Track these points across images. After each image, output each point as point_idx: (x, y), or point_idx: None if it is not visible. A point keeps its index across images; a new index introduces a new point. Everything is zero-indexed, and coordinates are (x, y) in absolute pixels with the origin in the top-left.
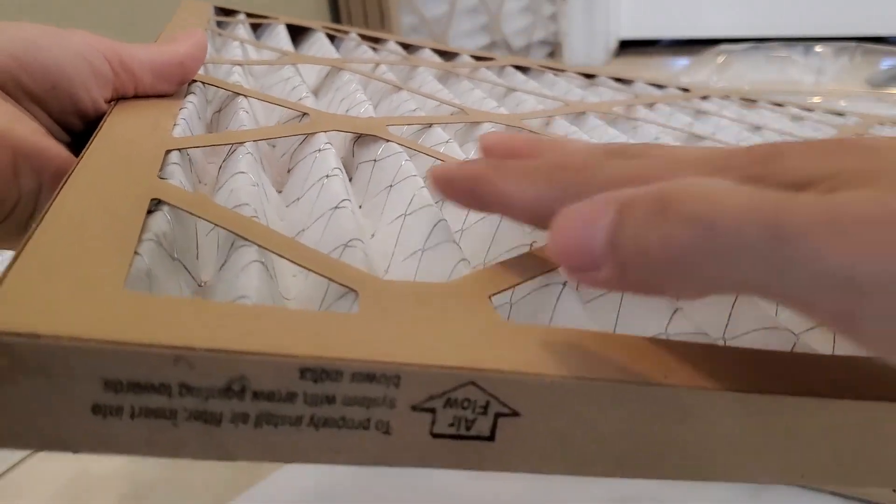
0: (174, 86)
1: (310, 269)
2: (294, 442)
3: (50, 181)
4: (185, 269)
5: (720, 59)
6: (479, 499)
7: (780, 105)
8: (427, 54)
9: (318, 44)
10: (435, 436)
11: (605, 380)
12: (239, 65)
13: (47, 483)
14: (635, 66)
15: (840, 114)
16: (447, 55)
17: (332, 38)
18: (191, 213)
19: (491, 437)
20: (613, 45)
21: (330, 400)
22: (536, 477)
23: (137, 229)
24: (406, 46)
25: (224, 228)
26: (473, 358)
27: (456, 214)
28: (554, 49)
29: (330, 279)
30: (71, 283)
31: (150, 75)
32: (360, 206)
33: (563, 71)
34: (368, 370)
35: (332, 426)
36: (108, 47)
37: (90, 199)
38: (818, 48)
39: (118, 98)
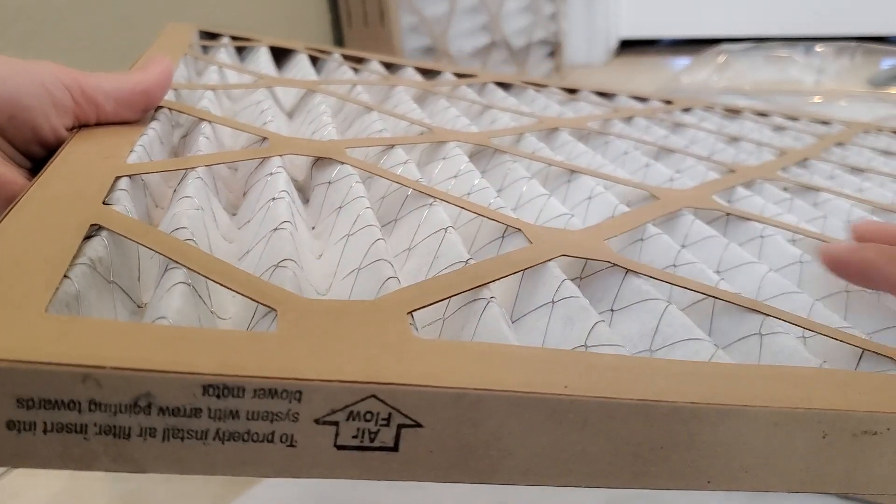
0: (138, 113)
1: (232, 290)
2: (202, 455)
3: (3, 207)
4: (123, 291)
5: (721, 58)
6: (471, 498)
7: (763, 115)
8: (409, 73)
9: (300, 65)
10: (339, 448)
11: (506, 391)
12: (212, 89)
13: (45, 484)
14: (635, 66)
15: (825, 122)
16: (429, 73)
17: (314, 59)
18: (126, 238)
19: (395, 448)
20: (614, 44)
21: (234, 415)
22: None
23: (71, 254)
24: (389, 66)
25: (157, 252)
26: (376, 372)
27: (406, 232)
28: (554, 49)
29: (251, 299)
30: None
31: (113, 103)
32: (314, 228)
33: (544, 86)
34: (270, 386)
35: (237, 440)
36: (70, 77)
37: (31, 225)
38: (819, 48)
39: (80, 126)
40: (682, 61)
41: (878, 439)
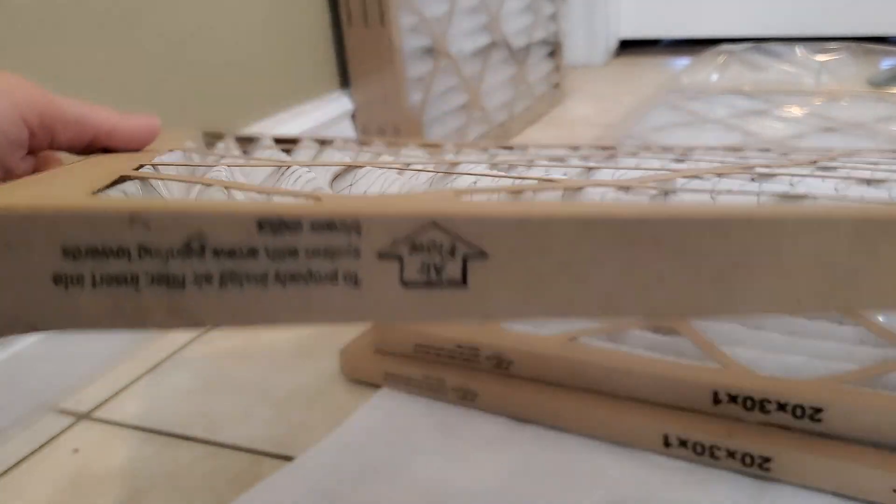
0: (96, 148)
1: (269, 193)
2: (262, 302)
3: None
4: None
5: (720, 58)
6: (472, 500)
7: (765, 150)
8: (411, 146)
9: (304, 152)
10: (406, 284)
11: (572, 213)
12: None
13: (48, 482)
14: (635, 67)
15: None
16: (431, 147)
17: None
18: (154, 178)
19: (463, 282)
20: (614, 45)
21: (292, 253)
22: (532, 476)
23: (104, 185)
24: (391, 144)
25: (186, 182)
26: (434, 205)
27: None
28: (554, 49)
29: (286, 195)
30: (39, 190)
31: (71, 134)
32: None
33: (546, 147)
34: (327, 217)
35: (299, 281)
36: (30, 105)
37: (73, 175)
38: (819, 48)
39: (34, 152)
40: (681, 62)
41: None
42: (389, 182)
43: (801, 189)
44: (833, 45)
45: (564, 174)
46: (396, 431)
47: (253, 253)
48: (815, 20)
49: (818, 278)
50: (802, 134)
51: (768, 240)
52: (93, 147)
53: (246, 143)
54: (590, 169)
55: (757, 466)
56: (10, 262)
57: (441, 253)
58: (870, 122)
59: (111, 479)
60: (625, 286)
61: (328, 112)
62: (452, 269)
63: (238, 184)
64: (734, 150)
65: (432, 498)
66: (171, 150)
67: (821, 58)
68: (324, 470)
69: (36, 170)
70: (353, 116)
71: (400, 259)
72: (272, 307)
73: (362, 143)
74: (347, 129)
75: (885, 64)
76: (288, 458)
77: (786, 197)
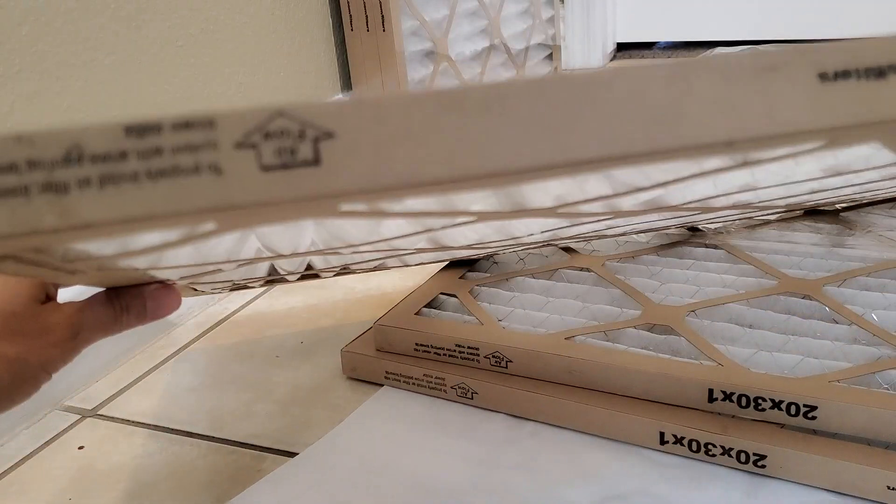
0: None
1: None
2: (138, 198)
3: None
4: None
5: None
6: (480, 498)
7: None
8: None
9: None
10: (265, 168)
11: (404, 93)
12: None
13: (53, 478)
14: None
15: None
16: None
17: None
18: None
19: (316, 161)
20: (610, 47)
21: (158, 151)
22: (533, 475)
23: None
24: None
25: None
26: (278, 103)
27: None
28: (552, 52)
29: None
30: None
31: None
32: None
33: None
34: (184, 119)
35: (167, 176)
36: None
37: None
38: None
39: None
40: None
41: (780, 73)
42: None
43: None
44: None
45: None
46: (397, 429)
47: (124, 155)
48: (809, 23)
49: (641, 118)
50: None
51: (586, 90)
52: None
53: None
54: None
55: (752, 463)
56: None
57: (292, 137)
58: None
59: (116, 476)
60: (462, 147)
61: None
62: (305, 151)
63: None
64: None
65: (431, 494)
66: None
67: None
68: (325, 466)
69: None
70: None
71: (255, 146)
72: (147, 201)
73: None
74: None
75: None
76: (290, 455)
77: None
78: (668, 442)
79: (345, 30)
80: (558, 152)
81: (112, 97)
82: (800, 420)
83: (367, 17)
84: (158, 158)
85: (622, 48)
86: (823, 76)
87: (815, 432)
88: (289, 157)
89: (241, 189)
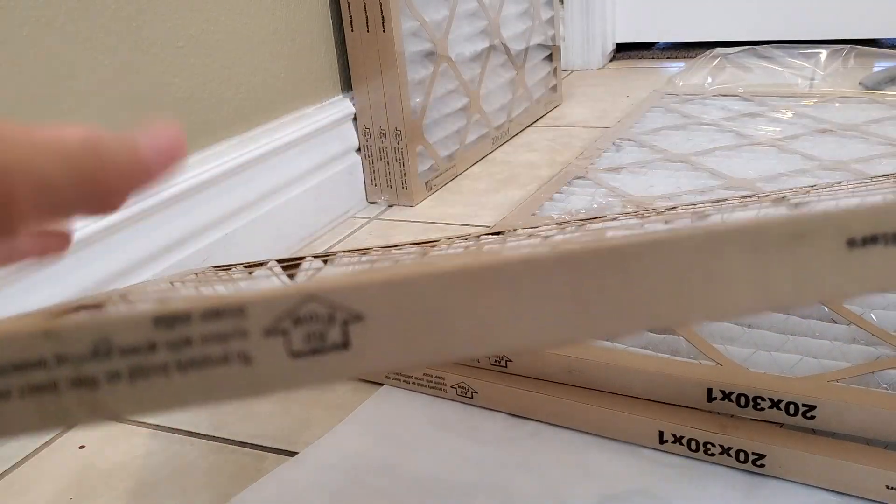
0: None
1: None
2: (168, 390)
3: None
4: None
5: (715, 62)
6: (478, 497)
7: (747, 197)
8: (406, 249)
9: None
10: (295, 355)
11: (437, 270)
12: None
13: (54, 478)
14: (631, 70)
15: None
16: (426, 244)
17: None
18: None
19: (346, 345)
20: (610, 48)
21: (187, 342)
22: (533, 474)
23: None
24: (390, 248)
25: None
26: (311, 284)
27: None
28: (552, 53)
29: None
30: None
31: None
32: None
33: (535, 228)
34: (214, 307)
35: (197, 367)
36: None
37: None
38: (811, 51)
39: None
40: (676, 65)
41: (809, 243)
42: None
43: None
44: (826, 48)
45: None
46: (397, 428)
47: (153, 347)
48: (808, 23)
49: (670, 292)
50: (795, 136)
51: (617, 264)
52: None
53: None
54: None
55: (751, 463)
56: None
57: (321, 322)
58: (862, 124)
59: (117, 475)
60: (495, 324)
61: (330, 115)
62: (334, 335)
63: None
64: (717, 203)
65: (432, 493)
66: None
67: (814, 61)
68: (326, 465)
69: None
70: (355, 119)
71: (285, 333)
72: (178, 393)
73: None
74: (349, 132)
75: (878, 66)
76: (291, 454)
77: (696, 214)
78: (667, 441)
79: (345, 30)
80: (587, 327)
81: (113, 98)
82: (799, 419)
83: (367, 17)
84: (188, 349)
85: (622, 48)
86: (851, 242)
87: (814, 432)
88: (318, 343)
89: (270, 376)
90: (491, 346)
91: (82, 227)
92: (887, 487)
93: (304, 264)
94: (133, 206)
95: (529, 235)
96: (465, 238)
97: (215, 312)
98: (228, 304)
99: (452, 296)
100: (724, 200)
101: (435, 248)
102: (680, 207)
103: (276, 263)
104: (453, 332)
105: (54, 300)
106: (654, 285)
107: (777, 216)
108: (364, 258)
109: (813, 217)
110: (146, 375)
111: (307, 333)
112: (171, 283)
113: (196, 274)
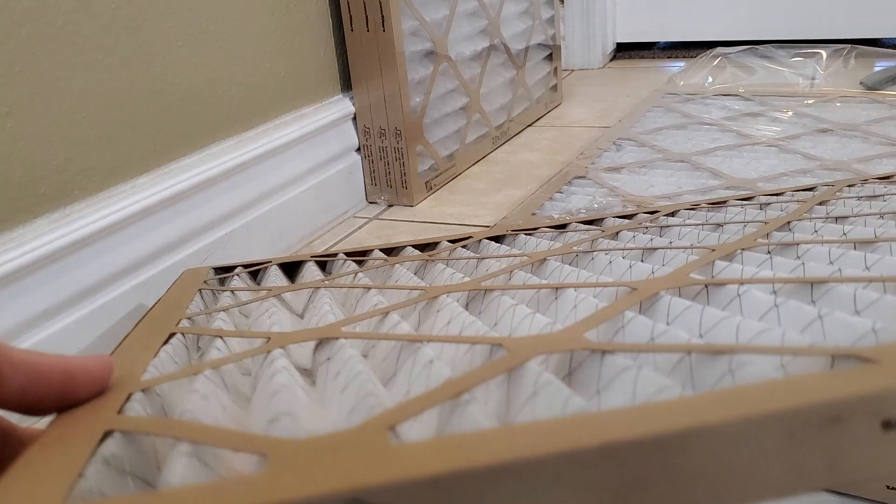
0: (55, 395)
1: (224, 446)
2: None
3: None
4: (141, 480)
5: (715, 61)
6: None
7: (748, 199)
8: (408, 251)
9: (310, 272)
10: None
11: (475, 467)
12: (225, 310)
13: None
14: (631, 69)
15: (811, 188)
16: (427, 247)
17: (322, 264)
18: (135, 432)
19: None
20: (610, 48)
21: None
22: None
23: (86, 457)
24: (389, 251)
25: (161, 435)
26: (355, 478)
27: (403, 378)
28: (552, 52)
29: (241, 449)
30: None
31: (22, 378)
32: (319, 402)
33: (535, 230)
34: None
35: None
36: None
37: (50, 444)
38: (812, 50)
39: None
40: (677, 64)
41: (845, 426)
42: (354, 369)
43: (734, 319)
44: (827, 47)
45: (535, 296)
46: None
47: None
48: (808, 23)
49: (711, 480)
50: (796, 135)
51: (658, 456)
52: (45, 401)
53: (255, 274)
54: (557, 288)
55: None
56: None
57: None
58: (863, 123)
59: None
60: None
61: (330, 115)
62: None
63: (204, 431)
64: (716, 205)
65: None
66: (167, 340)
67: (814, 60)
68: None
69: None
70: (355, 119)
71: None
72: None
73: (360, 258)
74: (349, 132)
75: (879, 66)
76: None
77: (708, 351)
78: None
79: (345, 30)
80: None
81: (112, 97)
82: None
83: (367, 17)
84: None
85: (622, 48)
86: (887, 424)
87: None
88: None
89: None
90: None
91: (82, 226)
92: (887, 487)
93: (306, 266)
94: (133, 206)
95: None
96: (465, 244)
97: None
98: None
99: (490, 493)
100: (725, 201)
101: (435, 256)
102: (682, 210)
103: (277, 268)
104: None
105: (55, 300)
106: (693, 474)
107: (814, 401)
108: (360, 277)
109: (849, 400)
110: None
111: None
112: (184, 333)
113: (206, 282)
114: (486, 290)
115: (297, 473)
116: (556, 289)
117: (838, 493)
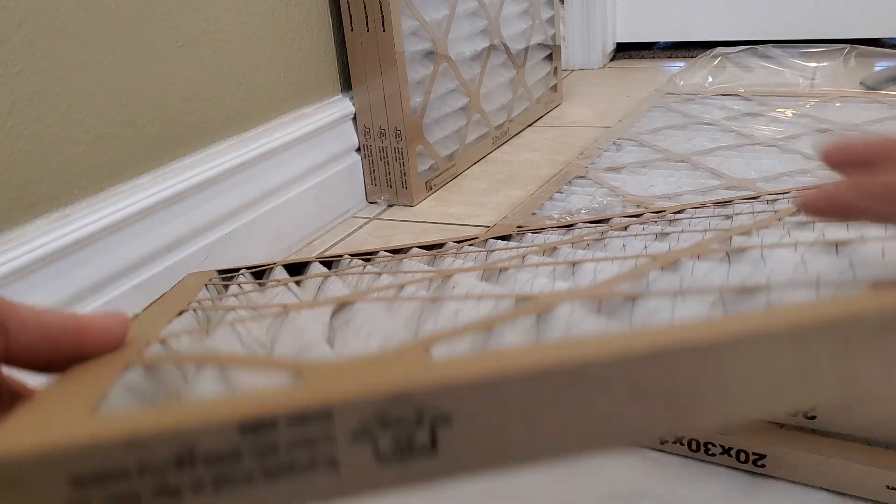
0: (65, 351)
1: (254, 368)
2: (254, 497)
3: None
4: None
5: (715, 61)
6: (480, 498)
7: (754, 198)
8: (414, 251)
9: (316, 270)
10: (382, 460)
11: (523, 368)
12: (234, 296)
13: None
14: (631, 69)
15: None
16: (433, 248)
17: (328, 265)
18: (156, 364)
19: (433, 447)
20: (610, 48)
21: (273, 448)
22: (533, 474)
23: (110, 384)
24: (395, 252)
25: (190, 362)
26: (396, 380)
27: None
28: (552, 52)
29: (271, 368)
30: (45, 418)
31: (31, 334)
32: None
33: (541, 229)
34: (300, 412)
35: (283, 474)
36: None
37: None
38: (812, 50)
39: None
40: (677, 64)
41: None
42: (378, 321)
43: (763, 272)
44: (827, 47)
45: (552, 271)
46: None
47: (238, 455)
48: (808, 23)
49: (766, 388)
50: (796, 135)
51: (710, 362)
52: (57, 359)
53: (259, 275)
54: (574, 264)
55: (751, 463)
56: (17, 498)
57: (408, 424)
58: (863, 123)
59: None
60: (580, 424)
61: (330, 115)
62: (422, 437)
63: (230, 356)
64: (722, 204)
65: (433, 493)
66: (179, 314)
67: (814, 60)
68: None
69: None
70: (355, 119)
71: (372, 436)
72: (263, 501)
73: (366, 256)
74: (349, 132)
75: (879, 66)
76: None
77: (743, 291)
78: (667, 441)
79: (345, 30)
80: (677, 424)
81: (112, 97)
82: (799, 419)
83: (367, 17)
84: (274, 456)
85: (622, 48)
86: None
87: (814, 432)
88: (405, 447)
89: (356, 481)
90: (578, 444)
91: (82, 226)
92: (887, 487)
93: (312, 268)
94: (133, 206)
95: (541, 251)
96: (472, 243)
97: (302, 418)
98: (315, 409)
99: (542, 394)
100: (731, 200)
101: (441, 254)
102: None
103: (283, 269)
104: (542, 432)
105: (54, 300)
106: (745, 381)
107: (868, 310)
108: (370, 268)
109: None
110: (231, 484)
111: (394, 437)
112: (196, 309)
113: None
114: (500, 269)
115: (333, 381)
116: (574, 264)
117: (838, 493)
